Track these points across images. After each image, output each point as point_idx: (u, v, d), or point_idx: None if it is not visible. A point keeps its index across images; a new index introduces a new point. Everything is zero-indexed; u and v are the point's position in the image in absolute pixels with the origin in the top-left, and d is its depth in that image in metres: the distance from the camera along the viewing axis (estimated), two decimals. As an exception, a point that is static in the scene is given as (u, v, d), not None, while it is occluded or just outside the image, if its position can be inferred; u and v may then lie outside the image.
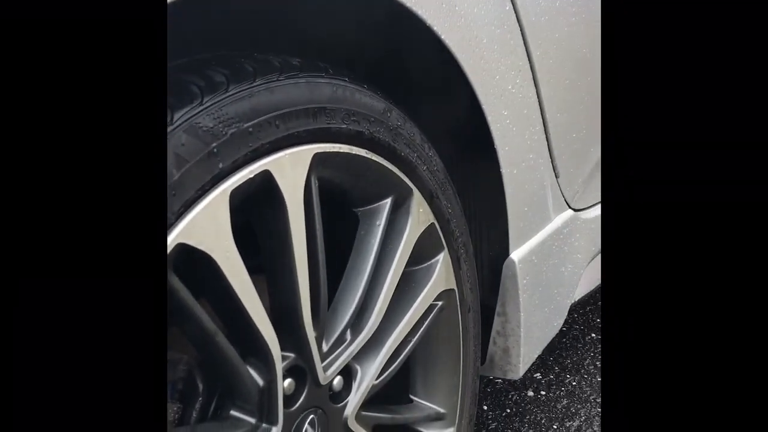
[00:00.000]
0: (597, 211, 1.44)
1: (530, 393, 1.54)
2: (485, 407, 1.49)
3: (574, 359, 1.67)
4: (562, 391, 1.54)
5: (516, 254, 1.13)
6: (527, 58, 1.10)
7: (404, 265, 0.90)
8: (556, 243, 1.27)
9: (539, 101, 1.15)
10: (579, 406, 1.49)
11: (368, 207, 0.87)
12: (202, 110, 0.63)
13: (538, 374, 1.60)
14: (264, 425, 0.74)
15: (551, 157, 1.23)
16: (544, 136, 1.19)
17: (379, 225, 0.86)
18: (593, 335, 1.76)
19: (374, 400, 0.91)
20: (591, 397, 1.52)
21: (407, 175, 0.88)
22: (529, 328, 1.17)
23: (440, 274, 0.97)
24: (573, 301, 1.36)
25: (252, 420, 0.73)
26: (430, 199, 0.93)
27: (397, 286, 0.90)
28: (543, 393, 1.54)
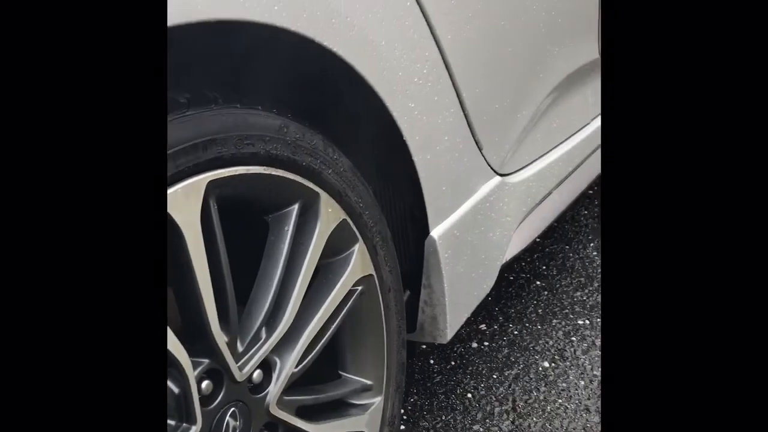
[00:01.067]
0: (526, 173, 1.51)
1: (474, 344, 1.64)
2: (432, 361, 1.59)
3: (518, 308, 1.76)
4: (504, 341, 1.64)
5: (435, 231, 1.20)
6: (436, 46, 1.14)
7: (317, 261, 0.97)
8: (482, 212, 1.34)
9: (453, 84, 1.20)
10: (518, 355, 1.59)
11: (276, 214, 0.93)
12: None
13: (483, 325, 1.70)
14: (184, 425, 0.83)
15: (472, 133, 1.29)
16: (462, 114, 1.24)
17: (287, 230, 0.93)
18: (538, 282, 1.86)
19: (300, 381, 1.00)
20: (530, 345, 1.62)
21: (312, 181, 0.94)
22: (454, 296, 1.26)
23: (356, 262, 1.04)
24: (504, 262, 1.44)
25: (172, 422, 0.82)
26: (339, 198, 0.99)
27: (314, 278, 0.97)
28: (486, 344, 1.64)
